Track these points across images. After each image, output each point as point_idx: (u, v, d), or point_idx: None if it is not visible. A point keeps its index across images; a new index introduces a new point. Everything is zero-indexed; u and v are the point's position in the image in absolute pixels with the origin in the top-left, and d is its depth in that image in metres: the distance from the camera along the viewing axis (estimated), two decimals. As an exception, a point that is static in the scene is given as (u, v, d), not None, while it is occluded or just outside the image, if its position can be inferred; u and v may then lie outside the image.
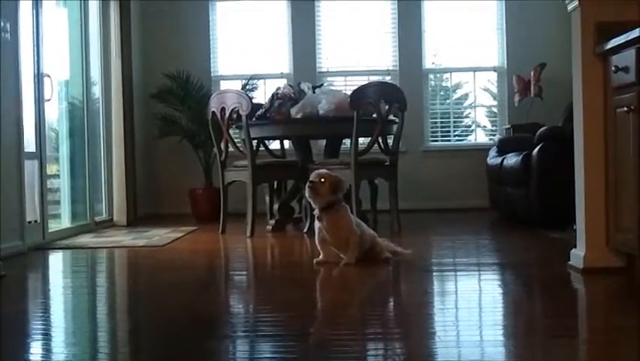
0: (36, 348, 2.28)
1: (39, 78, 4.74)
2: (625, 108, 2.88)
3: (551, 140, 4.91)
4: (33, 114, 4.68)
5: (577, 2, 3.15)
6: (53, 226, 5.09)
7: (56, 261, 4.29)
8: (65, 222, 5.47)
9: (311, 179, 3.56)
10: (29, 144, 4.62)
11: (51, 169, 5.26)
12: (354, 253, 3.52)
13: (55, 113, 5.41)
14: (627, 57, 2.87)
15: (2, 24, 4.20)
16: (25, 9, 4.58)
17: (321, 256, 3.59)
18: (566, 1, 3.24)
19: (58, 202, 5.46)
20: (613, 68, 2.98)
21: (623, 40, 2.87)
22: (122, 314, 2.86)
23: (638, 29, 2.74)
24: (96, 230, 5.57)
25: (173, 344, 2.25)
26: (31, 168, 4.62)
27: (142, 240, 4.84)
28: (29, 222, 4.54)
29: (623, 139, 2.95)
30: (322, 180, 3.53)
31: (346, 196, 4.46)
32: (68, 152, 5.60)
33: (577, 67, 3.22)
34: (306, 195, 3.57)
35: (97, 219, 5.82)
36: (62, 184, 5.52)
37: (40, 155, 4.73)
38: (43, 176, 4.76)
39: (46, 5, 4.97)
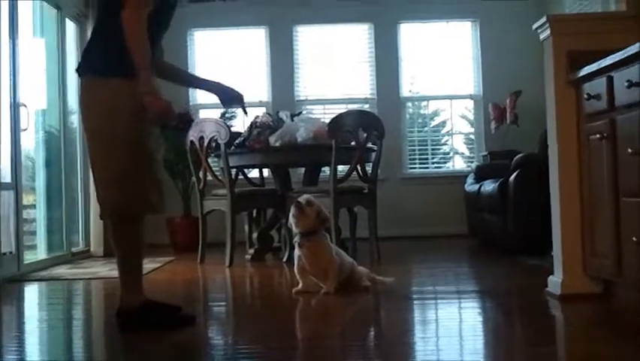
0: (9, 384, 2.23)
1: (15, 108, 4.71)
2: (598, 135, 2.92)
3: (527, 167, 4.96)
4: (9, 144, 4.64)
5: (549, 31, 3.22)
6: (29, 258, 5.01)
7: (32, 293, 4.22)
8: (41, 253, 5.39)
9: (298, 200, 3.55)
10: (5, 174, 4.57)
11: (27, 199, 5.20)
12: (334, 282, 3.51)
13: (31, 143, 5.36)
14: (599, 85, 2.92)
15: (-22, 54, 4.18)
16: (2, 39, 4.56)
17: (300, 286, 3.57)
18: (539, 31, 3.30)
19: (34, 233, 5.39)
20: (585, 96, 3.03)
21: (594, 69, 2.93)
22: (98, 347, 2.81)
23: (609, 57, 2.80)
24: (73, 261, 5.49)
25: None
26: (6, 198, 4.57)
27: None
28: (4, 253, 4.47)
29: (596, 165, 2.99)
30: (309, 204, 3.52)
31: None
32: (45, 182, 5.54)
33: (550, 95, 3.27)
34: (291, 215, 3.53)
35: (73, 250, 5.75)
36: (38, 215, 5.46)
37: (16, 185, 4.68)
38: (18, 206, 4.70)
39: (23, 36, 4.96)
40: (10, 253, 4.59)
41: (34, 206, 5.42)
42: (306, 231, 3.52)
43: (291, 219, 3.54)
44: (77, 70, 2.81)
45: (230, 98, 3.15)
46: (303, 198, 3.56)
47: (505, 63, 6.99)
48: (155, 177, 2.76)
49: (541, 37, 3.30)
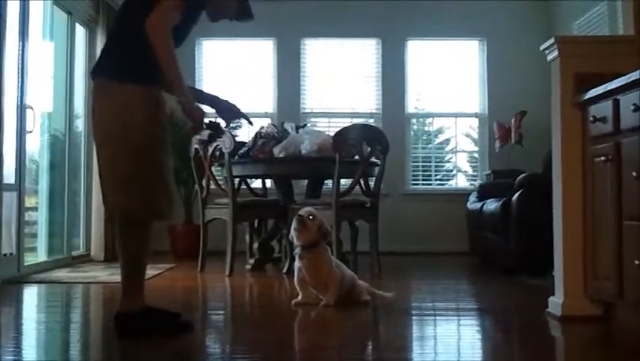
0: (5, 385, 2.23)
1: (22, 110, 4.73)
2: (603, 158, 2.93)
3: (531, 187, 4.96)
4: (14, 146, 4.65)
5: (556, 53, 3.23)
6: (29, 260, 5.01)
7: (31, 295, 4.22)
8: (42, 255, 5.40)
9: (300, 213, 3.55)
10: (9, 175, 4.57)
11: (30, 201, 5.21)
12: (334, 295, 3.50)
13: (36, 145, 5.38)
14: (605, 108, 2.93)
15: (-13, 55, 4.20)
16: (11, 42, 4.59)
17: (299, 297, 3.56)
18: (546, 52, 3.31)
19: (35, 235, 5.39)
20: (591, 118, 3.04)
21: (601, 91, 2.94)
22: (95, 351, 2.80)
23: (615, 81, 2.81)
24: (73, 265, 5.49)
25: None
26: (9, 199, 4.57)
27: (119, 276, 4.76)
28: (5, 254, 4.48)
29: (600, 188, 2.99)
30: (311, 217, 3.52)
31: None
32: (48, 185, 5.55)
33: (556, 116, 3.27)
34: (293, 228, 3.53)
35: (74, 253, 5.75)
36: (40, 217, 5.46)
37: (19, 187, 4.68)
38: (21, 208, 4.71)
39: (33, 38, 4.99)
40: (11, 254, 4.60)
41: (36, 208, 5.42)
42: (308, 244, 3.52)
43: (293, 232, 3.53)
44: (92, 73, 2.83)
45: (229, 112, 3.16)
46: (304, 211, 3.55)
47: (511, 82, 7.01)
48: (165, 183, 2.77)
49: (549, 58, 3.31)
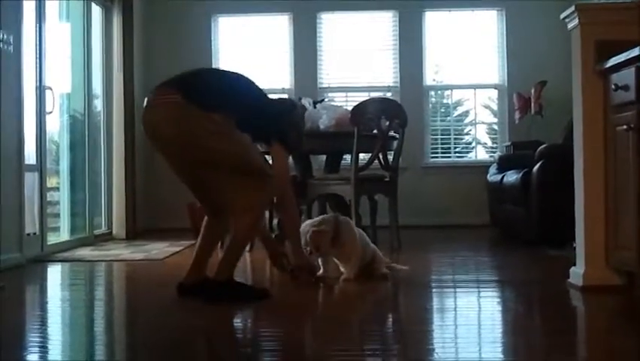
0: (32, 361, 2.27)
1: (41, 91, 4.76)
2: (625, 126, 2.88)
3: (551, 157, 4.91)
4: (34, 127, 4.69)
5: (577, 21, 3.17)
6: (52, 239, 5.08)
7: (55, 274, 4.28)
8: (64, 235, 5.46)
9: (307, 238, 3.43)
10: (30, 156, 4.62)
11: (51, 182, 5.26)
12: (354, 268, 3.51)
13: (56, 126, 5.42)
14: (627, 76, 2.88)
15: (5, 37, 4.22)
16: (28, 22, 4.61)
17: (321, 271, 3.58)
18: (566, 20, 3.26)
19: (57, 215, 5.45)
20: (613, 87, 2.99)
21: (623, 59, 2.89)
22: (119, 328, 2.84)
23: (637, 48, 2.76)
24: (95, 243, 5.55)
25: (171, 358, 2.24)
26: (31, 180, 4.62)
27: (141, 253, 4.84)
28: (28, 234, 4.53)
29: (622, 157, 2.95)
30: (319, 231, 3.42)
31: (346, 212, 4.47)
32: (69, 165, 5.60)
33: (577, 85, 3.23)
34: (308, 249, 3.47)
35: (96, 232, 5.81)
36: (62, 197, 5.52)
37: (40, 167, 4.73)
38: (43, 188, 4.76)
39: (50, 19, 5.01)
40: (34, 233, 4.66)
41: (57, 188, 5.48)
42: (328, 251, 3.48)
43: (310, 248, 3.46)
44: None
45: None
46: (309, 234, 3.41)
47: (530, 52, 6.91)
48: None
49: (569, 26, 3.25)
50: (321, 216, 3.65)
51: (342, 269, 3.55)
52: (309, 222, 3.57)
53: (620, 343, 2.36)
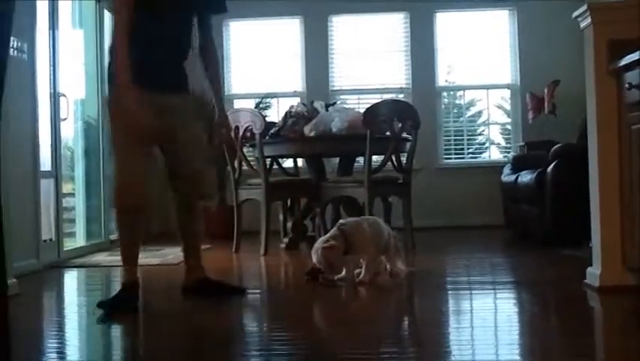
0: (51, 367, 2.29)
1: (55, 97, 4.80)
2: (639, 125, 2.87)
3: (566, 157, 4.88)
4: (49, 133, 4.73)
5: (589, 20, 3.16)
6: (68, 245, 5.11)
7: (71, 279, 4.31)
8: (80, 240, 5.50)
9: (316, 261, 3.48)
10: (45, 162, 4.66)
11: (66, 188, 5.30)
12: (370, 272, 3.51)
13: (70, 132, 5.46)
14: (641, 74, 2.86)
15: (19, 45, 4.26)
16: (41, 30, 4.65)
17: (343, 273, 3.57)
18: (579, 19, 3.24)
19: (73, 221, 5.49)
20: (627, 85, 2.97)
21: (636, 57, 2.87)
22: (136, 333, 2.86)
23: (651, 46, 2.74)
24: (111, 249, 5.58)
25: (187, 362, 2.25)
26: (46, 186, 4.66)
27: (156, 258, 4.86)
28: (44, 240, 4.57)
29: (637, 155, 2.93)
30: (329, 247, 3.43)
31: (359, 215, 4.47)
32: (83, 170, 5.64)
33: (590, 84, 3.21)
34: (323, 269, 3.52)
35: (112, 237, 5.84)
36: (77, 203, 5.56)
37: (55, 173, 4.77)
38: (58, 194, 4.80)
39: (63, 27, 5.05)
40: (50, 240, 4.70)
41: (73, 194, 5.52)
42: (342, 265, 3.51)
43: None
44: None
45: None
46: (318, 259, 3.46)
47: (542, 52, 6.88)
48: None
49: (582, 25, 3.24)
50: (329, 233, 3.63)
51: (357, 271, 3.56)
52: (320, 240, 3.57)
53: (637, 344, 2.34)
